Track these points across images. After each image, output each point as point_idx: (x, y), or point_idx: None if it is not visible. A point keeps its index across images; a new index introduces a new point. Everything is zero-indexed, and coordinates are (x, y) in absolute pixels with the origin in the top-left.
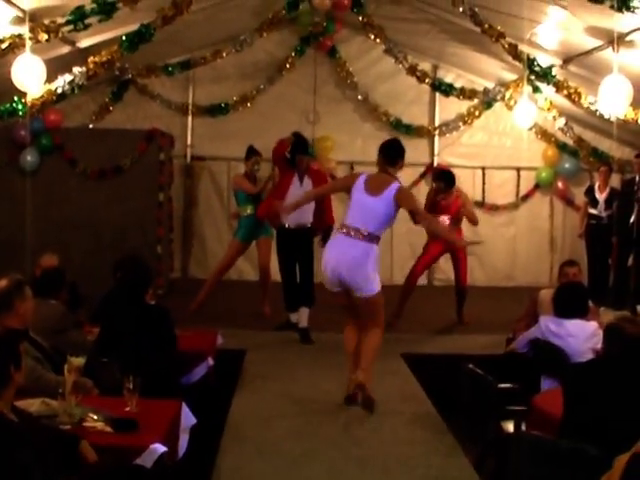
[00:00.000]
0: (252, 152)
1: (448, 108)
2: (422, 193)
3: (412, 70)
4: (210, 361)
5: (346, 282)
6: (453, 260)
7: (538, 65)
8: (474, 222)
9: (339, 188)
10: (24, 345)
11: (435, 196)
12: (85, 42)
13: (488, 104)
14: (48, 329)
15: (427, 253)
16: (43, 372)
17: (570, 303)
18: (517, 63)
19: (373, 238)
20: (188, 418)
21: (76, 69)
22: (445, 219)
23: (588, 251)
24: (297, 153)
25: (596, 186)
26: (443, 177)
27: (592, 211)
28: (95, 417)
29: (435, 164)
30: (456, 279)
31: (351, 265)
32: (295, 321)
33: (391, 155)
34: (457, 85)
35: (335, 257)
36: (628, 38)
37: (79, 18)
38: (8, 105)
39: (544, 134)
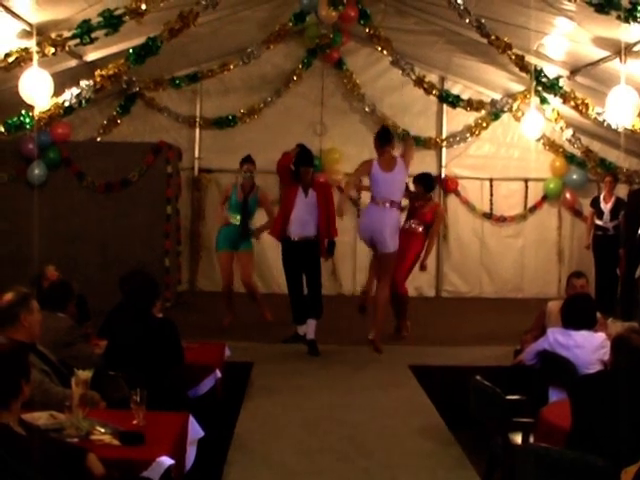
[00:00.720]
0: (244, 160)
1: (455, 119)
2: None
3: (419, 82)
4: (217, 374)
5: (377, 240)
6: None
7: (545, 76)
8: (431, 243)
9: (363, 173)
10: (32, 358)
11: (413, 200)
12: (92, 55)
13: (495, 115)
14: (56, 342)
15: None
16: (50, 385)
17: (578, 315)
18: (524, 74)
19: (397, 205)
20: (195, 431)
21: (83, 82)
22: (414, 223)
23: (596, 262)
24: (301, 165)
25: (601, 197)
26: (422, 181)
27: (598, 222)
28: (102, 430)
29: (443, 176)
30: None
31: (383, 228)
32: (303, 333)
33: (388, 138)
34: (464, 97)
35: (370, 223)
36: (635, 49)
37: (86, 32)
38: (16, 118)
39: (552, 145)
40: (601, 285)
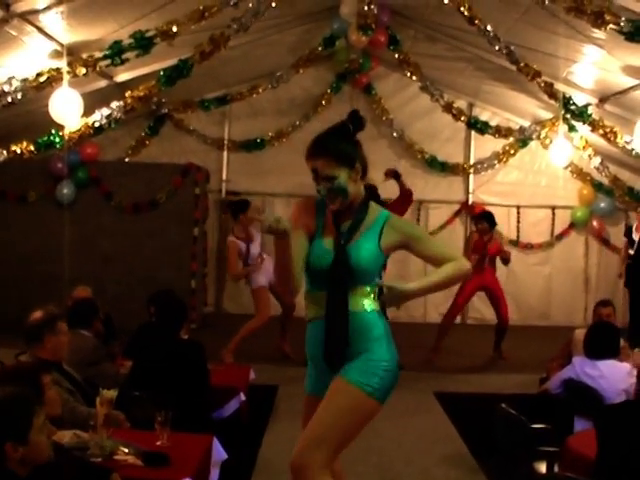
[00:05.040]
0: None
1: (483, 146)
2: (457, 231)
3: (448, 108)
4: (242, 396)
5: None
6: (490, 298)
7: (574, 104)
8: (509, 259)
9: None
10: (57, 377)
11: (481, 237)
12: (122, 76)
13: (523, 142)
14: (81, 361)
15: (463, 291)
16: (75, 404)
17: (600, 344)
18: (553, 102)
19: None
20: (219, 453)
21: (114, 103)
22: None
23: (630, 291)
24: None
25: (634, 227)
26: (487, 218)
27: (631, 252)
28: (126, 450)
29: (470, 202)
30: (498, 317)
31: None
32: None
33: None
34: (493, 123)
35: None
36: None
37: (117, 53)
38: (46, 138)
39: (579, 173)
40: (633, 314)
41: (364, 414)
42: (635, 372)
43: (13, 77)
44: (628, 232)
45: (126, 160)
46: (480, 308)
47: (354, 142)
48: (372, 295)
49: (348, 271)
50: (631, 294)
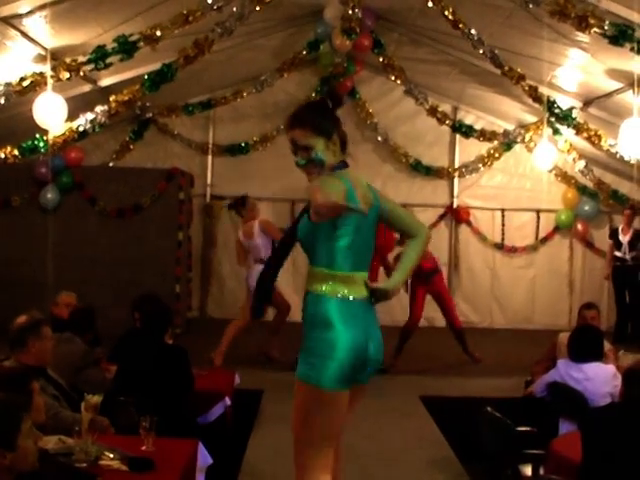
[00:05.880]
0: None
1: (468, 150)
2: (442, 234)
3: (432, 111)
4: (227, 401)
5: None
6: (437, 301)
7: (558, 107)
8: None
9: None
10: (42, 382)
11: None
12: (106, 81)
13: (508, 146)
14: (70, 366)
15: (418, 296)
16: (60, 409)
17: (583, 347)
18: (537, 105)
19: None
20: (204, 458)
21: (98, 108)
22: None
23: (615, 293)
24: None
25: (620, 228)
26: None
27: (617, 253)
28: (111, 456)
29: (455, 206)
30: (447, 321)
31: None
32: None
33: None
34: (477, 127)
35: None
36: None
37: (100, 57)
38: (30, 142)
39: (564, 176)
40: (620, 316)
41: (317, 404)
42: (619, 375)
43: None
44: (613, 234)
45: (110, 165)
46: (464, 311)
47: (332, 116)
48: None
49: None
50: (616, 295)
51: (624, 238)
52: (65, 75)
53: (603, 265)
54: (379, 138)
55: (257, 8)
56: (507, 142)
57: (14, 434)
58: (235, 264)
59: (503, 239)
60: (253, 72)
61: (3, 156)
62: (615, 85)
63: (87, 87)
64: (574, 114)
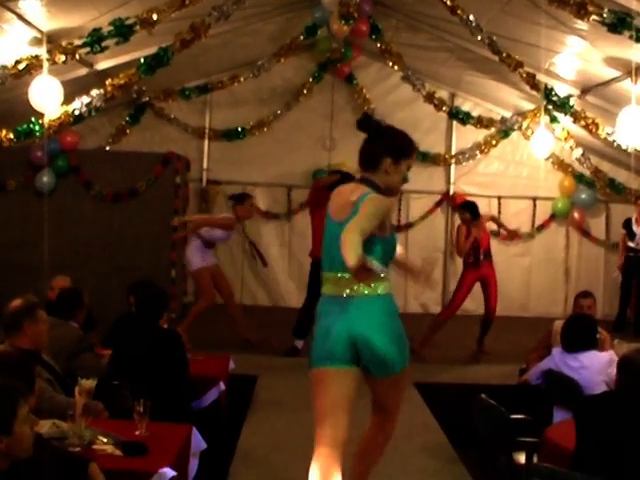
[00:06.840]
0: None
1: (465, 136)
2: (438, 221)
3: (429, 98)
4: (222, 386)
5: None
6: (483, 289)
7: (556, 95)
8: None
9: None
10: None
11: (468, 228)
12: (103, 64)
13: (505, 133)
14: (64, 351)
15: (461, 288)
16: (53, 393)
17: (576, 336)
18: (535, 93)
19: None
20: (198, 442)
21: (94, 91)
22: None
23: (624, 282)
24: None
25: (633, 218)
26: (468, 208)
27: (630, 244)
28: (105, 440)
29: (451, 192)
30: (486, 308)
31: None
32: (300, 347)
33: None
34: (474, 114)
35: None
36: None
37: (96, 40)
38: (25, 126)
39: (561, 164)
40: (625, 305)
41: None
42: (615, 362)
43: None
44: (627, 224)
45: (106, 149)
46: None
47: None
48: None
49: None
50: (625, 285)
51: (638, 229)
52: (61, 58)
53: (599, 253)
54: None
55: None
56: (504, 129)
57: (11, 418)
58: (230, 249)
59: (499, 226)
60: (250, 57)
61: None
62: (613, 73)
63: (83, 70)
64: (572, 102)
